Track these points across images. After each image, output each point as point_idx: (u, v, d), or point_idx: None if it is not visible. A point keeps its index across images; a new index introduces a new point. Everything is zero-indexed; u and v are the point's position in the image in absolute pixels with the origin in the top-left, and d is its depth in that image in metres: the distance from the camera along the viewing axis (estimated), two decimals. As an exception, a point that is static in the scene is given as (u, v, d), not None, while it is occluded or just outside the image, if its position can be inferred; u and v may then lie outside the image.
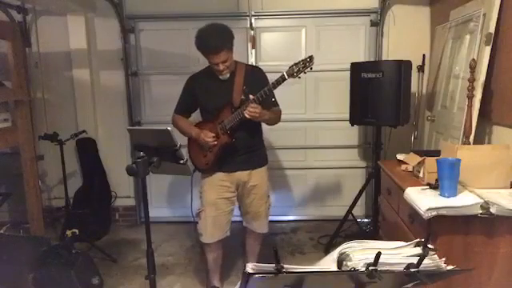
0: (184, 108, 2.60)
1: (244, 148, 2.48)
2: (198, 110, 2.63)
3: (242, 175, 2.52)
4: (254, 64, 3.76)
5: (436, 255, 1.22)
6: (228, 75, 2.41)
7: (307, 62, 2.22)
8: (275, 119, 2.55)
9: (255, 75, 2.50)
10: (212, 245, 2.59)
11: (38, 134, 3.51)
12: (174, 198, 4.09)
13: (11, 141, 2.93)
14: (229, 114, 2.38)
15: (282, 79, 2.25)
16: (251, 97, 2.28)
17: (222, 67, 2.34)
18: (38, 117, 3.87)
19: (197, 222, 2.61)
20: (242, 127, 2.39)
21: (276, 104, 2.51)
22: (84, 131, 3.64)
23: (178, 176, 3.47)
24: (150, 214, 1.97)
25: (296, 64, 2.24)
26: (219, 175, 2.51)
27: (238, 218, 2.76)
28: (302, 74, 2.24)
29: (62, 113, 3.92)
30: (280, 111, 2.57)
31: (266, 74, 2.56)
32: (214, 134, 2.40)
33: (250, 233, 2.73)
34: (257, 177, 2.56)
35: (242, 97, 2.34)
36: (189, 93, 2.56)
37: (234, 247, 2.99)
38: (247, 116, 2.28)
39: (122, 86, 3.91)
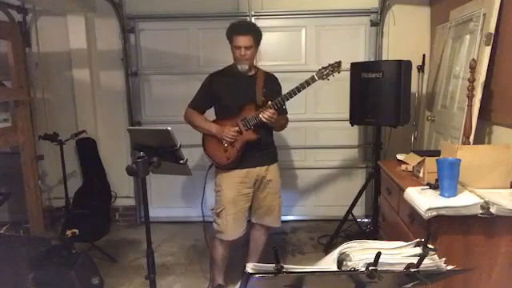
0: (200, 104, 2.62)
1: (263, 145, 2.56)
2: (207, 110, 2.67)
3: (260, 170, 2.58)
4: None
5: (436, 255, 1.22)
6: (246, 67, 2.48)
7: (335, 67, 2.44)
8: (283, 126, 2.68)
9: (273, 82, 2.62)
10: (228, 242, 2.62)
11: (38, 134, 3.51)
12: (173, 198, 4.09)
13: (11, 141, 2.92)
14: (252, 111, 2.45)
15: (311, 80, 2.41)
16: (270, 102, 2.39)
17: (243, 52, 2.42)
18: (38, 117, 3.87)
19: (213, 221, 2.63)
20: (262, 125, 2.47)
21: (286, 112, 2.65)
22: (84, 131, 3.65)
23: (179, 176, 3.50)
24: (150, 214, 1.98)
25: (325, 68, 2.45)
26: (237, 172, 2.54)
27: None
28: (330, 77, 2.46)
29: (62, 113, 3.92)
30: (287, 119, 2.69)
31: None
32: (237, 129, 2.46)
33: (258, 228, 2.75)
34: (272, 172, 2.63)
35: (263, 97, 2.43)
36: (208, 89, 2.58)
37: (234, 247, 2.98)
38: (263, 119, 2.38)
39: (121, 86, 3.91)
